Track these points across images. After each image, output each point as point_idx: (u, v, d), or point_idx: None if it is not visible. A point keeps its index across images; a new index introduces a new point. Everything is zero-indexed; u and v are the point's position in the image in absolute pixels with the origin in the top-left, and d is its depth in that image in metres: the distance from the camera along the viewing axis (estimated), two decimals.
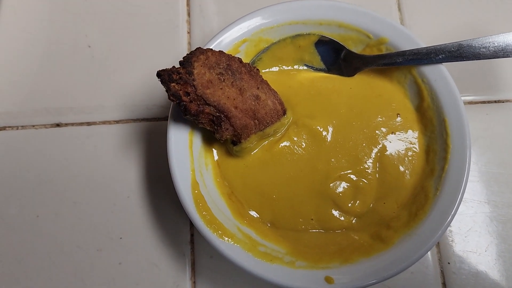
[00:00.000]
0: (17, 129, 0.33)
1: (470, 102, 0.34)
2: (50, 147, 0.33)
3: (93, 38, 0.35)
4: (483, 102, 0.34)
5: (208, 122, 0.27)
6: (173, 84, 0.26)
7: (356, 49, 0.31)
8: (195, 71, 0.26)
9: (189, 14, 0.36)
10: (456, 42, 0.29)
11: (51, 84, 0.34)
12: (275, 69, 0.32)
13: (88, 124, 0.33)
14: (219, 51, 0.27)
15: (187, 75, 0.26)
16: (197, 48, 0.27)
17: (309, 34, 0.31)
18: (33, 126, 0.33)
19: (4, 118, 0.33)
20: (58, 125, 0.33)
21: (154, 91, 0.34)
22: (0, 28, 0.35)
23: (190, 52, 0.27)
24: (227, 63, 0.27)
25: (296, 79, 0.31)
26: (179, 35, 0.35)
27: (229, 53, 0.29)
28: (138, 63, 0.34)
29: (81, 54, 0.35)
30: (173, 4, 0.36)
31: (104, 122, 0.33)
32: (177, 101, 0.26)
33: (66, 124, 0.33)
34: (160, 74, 0.26)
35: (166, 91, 0.26)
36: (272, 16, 0.30)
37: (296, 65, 0.32)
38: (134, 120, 0.33)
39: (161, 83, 0.26)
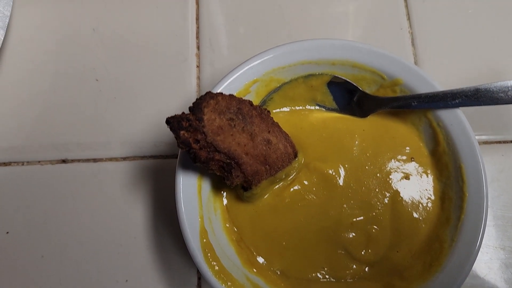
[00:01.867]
0: (23, 164, 0.32)
1: (485, 142, 0.33)
2: (55, 183, 0.32)
3: (101, 71, 0.34)
4: (499, 142, 0.34)
5: (218, 168, 0.26)
6: (182, 131, 0.25)
7: (369, 89, 0.30)
8: (205, 117, 0.25)
9: (198, 48, 0.35)
10: (473, 86, 0.28)
11: (58, 118, 0.33)
12: (286, 109, 0.31)
13: (95, 160, 0.32)
14: (230, 94, 0.27)
15: (197, 121, 0.25)
16: (207, 92, 0.26)
17: (321, 74, 0.30)
18: (39, 162, 0.32)
19: (10, 153, 0.33)
20: (64, 161, 0.32)
21: (161, 127, 0.33)
22: (7, 59, 0.34)
23: (199, 97, 0.26)
24: (237, 107, 0.27)
25: (308, 119, 0.31)
26: (188, 69, 0.34)
27: (239, 94, 0.29)
28: (146, 98, 0.34)
29: (89, 88, 0.34)
30: (182, 37, 0.35)
31: (111, 159, 0.32)
32: (186, 149, 0.25)
33: (73, 160, 0.32)
34: (169, 121, 0.25)
35: (176, 138, 0.25)
36: (284, 56, 0.29)
37: (308, 105, 0.31)
38: (141, 157, 0.32)
39: (171, 130, 0.25)
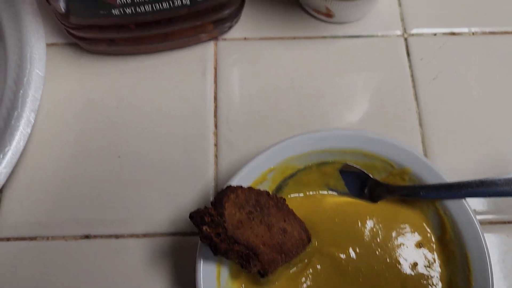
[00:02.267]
0: (48, 239, 0.34)
1: (491, 222, 0.35)
2: (79, 258, 0.33)
3: (123, 148, 0.36)
4: (504, 222, 0.35)
5: (236, 257, 0.28)
6: (205, 227, 0.27)
7: (379, 176, 0.32)
8: (226, 212, 0.27)
9: (216, 126, 0.37)
10: (479, 179, 0.29)
11: (81, 194, 0.35)
12: (300, 194, 0.32)
13: (117, 237, 0.34)
14: (248, 188, 0.28)
15: (218, 217, 0.27)
16: (227, 187, 0.28)
17: (334, 161, 0.32)
18: (63, 237, 0.34)
19: (35, 228, 0.34)
20: (87, 236, 0.34)
21: (179, 205, 0.35)
22: (34, 137, 0.36)
23: (221, 192, 0.28)
24: (255, 199, 0.28)
25: (321, 204, 0.32)
26: (206, 147, 0.36)
27: (257, 182, 0.31)
28: (165, 176, 0.35)
29: (111, 164, 0.36)
30: (201, 116, 0.37)
31: (132, 235, 0.34)
32: (208, 242, 0.27)
33: (95, 236, 0.34)
34: (192, 216, 0.27)
35: (198, 232, 0.27)
36: (299, 145, 0.31)
37: (321, 189, 0.33)
38: (161, 235, 0.34)
39: (194, 224, 0.27)
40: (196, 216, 0.27)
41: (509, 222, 0.35)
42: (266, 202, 0.29)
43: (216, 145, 0.36)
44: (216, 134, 0.37)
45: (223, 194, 0.28)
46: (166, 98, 0.38)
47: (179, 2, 0.33)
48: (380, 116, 0.37)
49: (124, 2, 0.32)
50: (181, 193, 0.35)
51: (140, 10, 0.33)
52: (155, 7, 0.33)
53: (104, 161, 0.36)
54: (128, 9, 0.33)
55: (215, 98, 0.38)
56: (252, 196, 0.28)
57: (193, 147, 0.36)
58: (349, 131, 0.31)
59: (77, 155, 0.36)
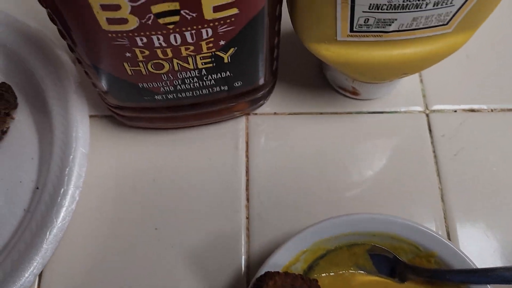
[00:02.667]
0: None
1: None
2: None
3: (159, 220, 0.38)
4: None
5: None
6: None
7: (406, 257, 0.34)
8: None
9: (248, 199, 0.39)
10: (506, 266, 0.31)
11: (120, 265, 0.37)
12: (331, 273, 0.34)
13: None
14: (284, 273, 0.30)
15: None
16: (266, 272, 0.30)
17: (363, 243, 0.33)
18: None
19: None
20: None
21: (213, 280, 0.36)
22: (76, 213, 0.38)
23: (259, 277, 0.30)
24: (291, 284, 0.30)
25: (350, 283, 0.34)
26: (238, 220, 0.38)
27: (290, 263, 0.32)
28: (200, 247, 0.37)
29: (148, 236, 0.38)
30: (234, 188, 0.39)
31: None
32: None
33: None
34: None
35: None
36: (330, 229, 0.33)
37: (351, 269, 0.34)
38: None
39: None
40: None
41: None
42: (300, 286, 0.30)
43: (248, 218, 0.38)
44: (248, 208, 0.39)
45: (262, 281, 0.29)
46: (201, 171, 0.40)
47: (218, 88, 0.35)
48: (403, 191, 0.39)
49: (167, 89, 0.34)
50: (214, 267, 0.36)
51: (181, 95, 0.35)
52: (196, 93, 0.35)
53: (141, 233, 0.38)
54: (170, 95, 0.35)
55: (247, 172, 0.40)
56: (288, 281, 0.30)
57: (226, 220, 0.38)
58: (378, 216, 0.33)
59: (116, 227, 0.38)
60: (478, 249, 0.37)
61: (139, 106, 0.37)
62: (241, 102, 0.39)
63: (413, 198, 0.39)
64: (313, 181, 0.39)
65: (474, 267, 0.31)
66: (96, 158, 0.40)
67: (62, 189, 0.35)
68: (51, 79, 0.39)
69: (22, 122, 0.41)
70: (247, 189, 0.39)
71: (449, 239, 0.37)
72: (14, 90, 0.40)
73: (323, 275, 0.34)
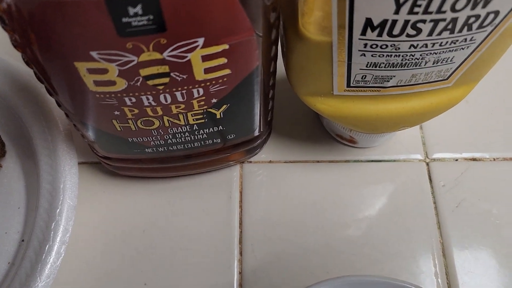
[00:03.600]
0: None
1: None
2: None
3: (149, 275, 0.37)
4: None
5: None
6: None
7: None
8: None
9: (241, 253, 0.37)
10: None
11: None
12: None
13: None
14: None
15: None
16: None
17: None
18: None
19: None
20: None
21: None
22: (62, 268, 0.36)
23: None
24: None
25: None
26: (231, 275, 0.37)
27: None
28: None
29: None
30: (227, 243, 0.38)
31: None
32: None
33: None
34: None
35: None
36: None
37: None
38: None
39: None
40: None
41: None
42: None
43: (241, 273, 0.37)
44: (241, 262, 0.37)
45: None
46: (193, 222, 0.38)
47: (211, 141, 0.34)
48: (403, 246, 0.38)
49: (157, 143, 0.33)
50: None
51: (173, 148, 0.34)
52: (187, 146, 0.34)
53: (130, 287, 0.36)
54: (161, 148, 0.34)
55: (241, 224, 0.38)
56: None
57: (218, 275, 0.37)
58: (377, 279, 0.32)
59: (103, 282, 0.36)
60: None
61: (129, 157, 0.36)
62: (235, 153, 0.37)
63: (414, 254, 0.38)
64: (309, 233, 0.38)
65: None
66: (84, 209, 0.39)
67: (48, 245, 0.34)
68: (39, 127, 0.38)
69: (9, 169, 0.40)
70: (240, 242, 0.38)
71: None
72: (2, 138, 0.39)
73: None
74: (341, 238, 0.38)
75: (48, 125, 0.38)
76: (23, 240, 0.37)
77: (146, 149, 0.34)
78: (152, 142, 0.33)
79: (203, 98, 0.29)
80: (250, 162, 0.41)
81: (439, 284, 0.36)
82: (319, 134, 0.42)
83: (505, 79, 0.45)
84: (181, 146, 0.34)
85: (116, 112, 0.29)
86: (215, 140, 0.34)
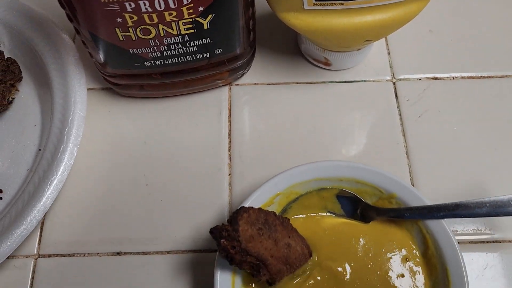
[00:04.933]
0: (84, 256, 0.39)
1: (471, 242, 0.40)
2: (111, 272, 0.39)
3: (150, 177, 0.42)
4: (483, 242, 0.40)
5: (249, 268, 0.33)
6: (222, 240, 0.32)
7: (370, 200, 0.37)
8: (240, 228, 0.32)
9: (230, 159, 0.43)
10: (454, 202, 0.35)
11: (114, 217, 0.40)
12: (302, 216, 0.38)
13: (144, 253, 0.39)
14: (258, 208, 0.34)
15: (233, 232, 0.32)
16: (241, 207, 0.33)
17: (331, 188, 0.37)
18: (98, 253, 0.39)
19: (74, 246, 0.40)
20: (118, 253, 0.39)
21: (199, 225, 0.40)
22: (74, 169, 0.42)
23: (236, 211, 0.33)
24: (264, 218, 0.34)
25: (320, 225, 0.37)
26: (222, 177, 0.42)
27: (265, 204, 0.36)
28: (187, 201, 0.41)
29: (140, 192, 0.41)
30: (217, 150, 0.43)
31: (157, 252, 0.39)
32: (225, 254, 0.32)
33: (125, 253, 0.39)
34: (212, 232, 0.32)
35: (217, 245, 0.32)
36: (301, 174, 0.37)
37: (320, 212, 0.38)
38: (183, 251, 0.39)
39: (213, 238, 0.32)
40: (216, 231, 0.32)
41: (487, 242, 0.40)
42: (273, 221, 0.34)
43: (230, 174, 0.42)
44: (230, 166, 0.42)
45: (238, 213, 0.33)
46: (187, 135, 0.44)
47: (200, 55, 0.40)
48: (372, 150, 0.43)
49: (155, 55, 0.39)
50: (200, 215, 0.40)
51: (168, 62, 0.40)
52: (180, 59, 0.40)
53: (134, 188, 0.42)
54: (158, 61, 0.39)
55: (229, 135, 0.44)
56: (262, 216, 0.34)
57: (210, 176, 0.42)
58: (345, 162, 0.37)
59: (110, 183, 0.42)
60: (436, 194, 0.40)
61: (131, 73, 0.41)
62: (223, 71, 0.43)
63: (382, 156, 0.43)
64: (289, 143, 0.43)
65: (429, 204, 0.35)
66: (93, 124, 0.44)
67: (62, 146, 0.39)
68: (51, 54, 0.44)
69: (25, 93, 0.45)
70: (229, 149, 0.43)
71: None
72: (19, 64, 0.45)
73: (295, 217, 0.38)
74: (316, 144, 0.43)
75: (59, 52, 0.44)
76: (40, 150, 0.43)
77: (145, 63, 0.40)
78: (150, 54, 0.39)
79: (192, 5, 0.34)
80: (238, 84, 0.46)
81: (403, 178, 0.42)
82: (298, 59, 0.47)
83: (464, 10, 0.50)
84: (175, 60, 0.40)
85: (118, 19, 0.35)
86: (204, 55, 0.40)
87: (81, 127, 0.41)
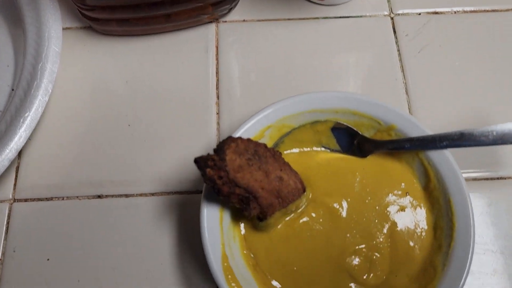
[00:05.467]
0: (63, 199, 0.37)
1: (475, 179, 0.37)
2: (92, 216, 0.36)
3: (133, 118, 0.39)
4: (487, 178, 0.37)
5: (238, 201, 0.31)
6: (208, 169, 0.29)
7: (368, 133, 0.35)
8: (227, 158, 0.30)
9: (218, 97, 0.40)
10: (459, 131, 0.32)
11: (95, 159, 0.38)
12: (296, 150, 0.35)
13: (127, 196, 0.37)
14: (247, 138, 0.31)
15: (220, 161, 0.30)
16: (228, 137, 0.31)
17: (326, 120, 0.35)
18: (77, 197, 0.37)
19: (51, 189, 0.37)
20: (99, 196, 0.37)
21: (185, 166, 0.37)
22: (51, 108, 0.39)
23: (222, 141, 0.31)
24: (254, 149, 0.31)
25: (314, 159, 0.35)
26: (209, 115, 0.39)
27: (255, 138, 0.34)
28: (172, 141, 0.38)
29: (122, 132, 0.39)
30: (204, 88, 0.40)
31: (141, 195, 0.37)
32: (211, 185, 0.30)
33: (107, 196, 0.37)
34: (197, 161, 0.30)
35: (202, 175, 0.29)
36: (294, 106, 0.34)
37: (315, 147, 0.35)
38: (168, 193, 0.37)
39: (198, 168, 0.30)
40: (200, 161, 0.29)
41: (491, 179, 0.37)
42: (264, 153, 0.32)
43: (218, 113, 0.39)
44: (218, 104, 0.40)
45: (225, 143, 0.30)
46: (172, 73, 0.41)
47: None
48: (369, 87, 0.40)
49: None
50: (186, 156, 0.38)
51: None
52: None
53: (115, 129, 0.39)
54: None
55: (217, 73, 0.41)
56: (251, 146, 0.31)
57: (197, 116, 0.39)
58: (341, 93, 0.34)
59: (91, 124, 0.39)
60: (437, 127, 0.38)
61: (109, 4, 0.38)
62: (207, 4, 0.40)
63: (380, 93, 0.40)
64: (281, 81, 0.41)
65: (431, 134, 0.33)
66: (71, 63, 0.41)
67: (35, 82, 0.36)
68: None
69: None
70: (217, 88, 0.40)
71: None
72: None
73: (288, 151, 0.35)
74: (310, 82, 0.41)
75: None
76: (12, 90, 0.40)
77: None
78: None
79: None
80: (225, 21, 0.43)
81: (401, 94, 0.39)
82: None
83: None
84: None
85: None
86: None
87: (56, 63, 0.38)
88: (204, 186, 0.32)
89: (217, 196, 0.30)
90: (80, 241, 0.35)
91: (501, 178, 0.38)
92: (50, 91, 0.37)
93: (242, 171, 0.30)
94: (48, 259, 0.35)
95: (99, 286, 0.34)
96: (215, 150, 0.30)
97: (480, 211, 0.36)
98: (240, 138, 0.31)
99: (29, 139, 0.38)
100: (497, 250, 0.35)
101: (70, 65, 0.41)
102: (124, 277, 0.34)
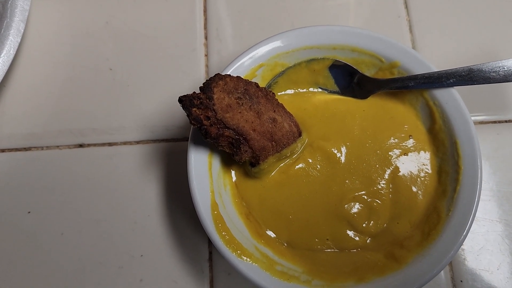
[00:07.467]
0: (42, 149, 0.34)
1: (481, 122, 0.35)
2: (73, 166, 0.34)
3: (114, 61, 0.36)
4: (494, 122, 0.35)
5: (227, 144, 0.28)
6: (194, 109, 0.27)
7: (369, 72, 0.32)
8: (215, 96, 0.27)
9: (206, 38, 0.37)
10: (467, 66, 0.29)
11: (74, 106, 0.35)
12: (290, 91, 0.33)
13: (110, 144, 0.34)
14: (237, 76, 0.29)
15: (207, 100, 0.27)
16: (216, 74, 0.28)
17: (323, 58, 0.32)
18: (57, 146, 0.34)
19: (30, 139, 0.35)
20: (81, 145, 0.34)
21: (173, 112, 0.35)
22: (26, 51, 0.36)
23: (209, 78, 0.28)
24: (244, 88, 0.29)
25: (310, 101, 0.32)
26: (197, 58, 0.36)
27: (246, 78, 0.31)
28: (157, 86, 0.36)
29: (103, 77, 0.36)
30: (191, 28, 0.37)
31: (125, 143, 0.34)
32: (198, 125, 0.27)
33: (89, 145, 0.34)
34: (181, 100, 0.27)
35: (188, 115, 0.27)
36: (287, 42, 0.31)
37: (311, 87, 0.33)
38: (154, 141, 0.34)
39: (183, 108, 0.27)
40: (186, 100, 0.27)
41: (499, 122, 0.35)
42: (255, 92, 0.29)
43: (206, 55, 0.36)
44: (206, 45, 0.37)
45: (212, 80, 0.28)
46: (156, 13, 0.38)
47: None
48: (370, 26, 0.38)
49: None
50: (172, 102, 0.35)
51: None
52: None
53: (96, 73, 0.36)
54: None
55: (205, 11, 0.38)
56: (241, 85, 0.28)
57: (184, 58, 0.36)
58: (337, 26, 0.31)
59: (69, 69, 0.36)
60: (441, 62, 0.35)
61: None
62: None
63: (383, 31, 0.37)
64: (274, 18, 0.38)
65: (437, 71, 0.30)
66: (46, 3, 0.38)
67: (5, 21, 0.33)
68: None
69: None
70: (205, 28, 0.37)
71: None
72: None
73: (282, 93, 0.33)
74: (307, 20, 0.37)
75: None
76: None
77: None
78: None
79: None
80: None
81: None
82: None
83: None
84: None
85: None
86: None
87: (28, 0, 0.34)
88: (191, 129, 0.29)
89: (205, 139, 0.28)
90: (62, 193, 0.33)
91: (509, 121, 0.35)
92: (22, 31, 0.34)
93: (232, 111, 0.28)
94: (29, 212, 0.33)
95: (83, 239, 0.32)
96: (201, 88, 0.28)
97: (486, 156, 0.34)
98: (229, 75, 0.28)
99: (3, 85, 0.35)
100: (503, 196, 0.33)
101: (44, 4, 0.37)
102: (109, 230, 0.32)
